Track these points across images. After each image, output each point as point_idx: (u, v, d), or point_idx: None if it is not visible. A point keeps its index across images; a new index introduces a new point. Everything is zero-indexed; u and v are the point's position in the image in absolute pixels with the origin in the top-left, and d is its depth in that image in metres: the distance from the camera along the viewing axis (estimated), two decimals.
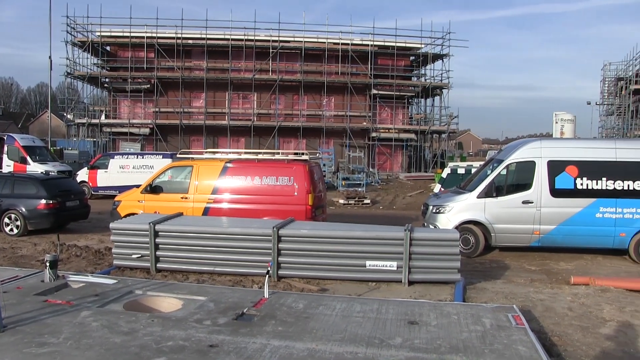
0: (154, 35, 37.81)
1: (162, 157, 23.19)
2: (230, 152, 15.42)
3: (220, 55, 39.12)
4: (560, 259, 13.33)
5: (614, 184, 13.02)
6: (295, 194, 12.37)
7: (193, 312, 6.62)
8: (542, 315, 7.79)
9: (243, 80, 39.07)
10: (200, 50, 39.01)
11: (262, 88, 39.45)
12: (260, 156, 13.65)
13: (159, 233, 9.45)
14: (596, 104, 48.94)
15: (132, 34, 38.04)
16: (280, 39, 38.59)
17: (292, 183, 12.43)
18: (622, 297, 8.98)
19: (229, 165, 12.82)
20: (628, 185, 13.01)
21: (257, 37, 38.51)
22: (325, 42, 39.05)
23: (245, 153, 14.21)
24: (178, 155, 14.59)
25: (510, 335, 6.04)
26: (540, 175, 13.12)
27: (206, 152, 14.36)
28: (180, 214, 10.69)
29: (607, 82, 47.30)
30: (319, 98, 40.30)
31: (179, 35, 37.89)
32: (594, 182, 13.04)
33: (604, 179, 13.03)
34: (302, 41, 38.85)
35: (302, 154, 13.78)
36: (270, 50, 38.39)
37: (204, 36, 38.13)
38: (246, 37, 38.23)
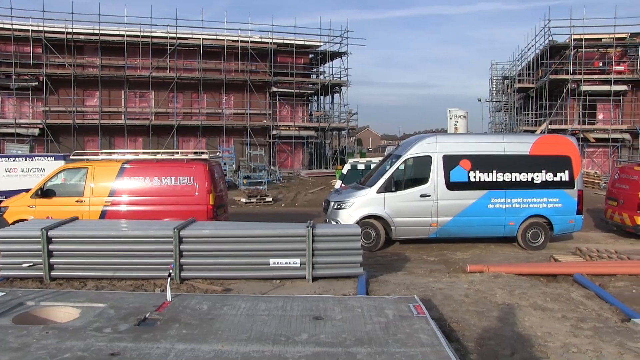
0: (41, 28, 35.63)
1: (54, 159, 21.98)
2: (127, 153, 14.92)
3: (114, 52, 37.58)
4: (457, 249, 13.97)
5: (503, 176, 13.81)
6: (196, 193, 12.21)
7: (92, 320, 6.35)
8: (442, 303, 8.14)
9: (140, 78, 37.80)
10: (93, 47, 37.26)
11: (160, 86, 38.35)
12: (159, 156, 13.32)
13: (53, 239, 8.97)
14: (486, 101, 51.77)
15: (15, 27, 35.47)
16: (178, 35, 37.65)
17: (193, 183, 12.26)
18: (512, 282, 9.59)
19: (126, 166, 12.43)
20: (515, 177, 13.85)
21: (153, 34, 37.35)
22: (224, 40, 38.53)
23: (144, 153, 13.84)
24: (72, 157, 13.94)
25: (412, 324, 6.26)
26: (437, 169, 13.68)
27: (102, 153, 13.81)
28: (75, 218, 10.21)
29: (494, 81, 50.07)
30: (219, 96, 39.76)
31: (69, 30, 35.94)
32: (486, 174, 13.77)
33: (494, 171, 13.79)
34: (200, 38, 38.13)
35: (202, 153, 13.59)
36: (168, 48, 37.40)
37: (96, 31, 36.39)
38: (142, 34, 36.98)
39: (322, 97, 46.25)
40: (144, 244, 9.09)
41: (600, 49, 38.19)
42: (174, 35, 37.41)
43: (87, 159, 13.12)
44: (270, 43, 39.45)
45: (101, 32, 36.53)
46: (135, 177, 12.35)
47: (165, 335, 5.83)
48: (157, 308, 6.77)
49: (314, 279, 9.00)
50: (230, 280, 9.07)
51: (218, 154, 23.81)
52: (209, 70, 39.07)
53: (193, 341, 5.66)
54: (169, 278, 7.36)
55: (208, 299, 7.35)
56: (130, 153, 14.37)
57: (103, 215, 12.14)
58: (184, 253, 8.93)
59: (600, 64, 38.22)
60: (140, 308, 6.77)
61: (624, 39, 37.23)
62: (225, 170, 28.08)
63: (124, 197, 12.25)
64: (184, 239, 8.91)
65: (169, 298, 7.14)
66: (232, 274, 9.10)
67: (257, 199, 24.20)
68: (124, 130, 37.38)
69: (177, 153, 14.28)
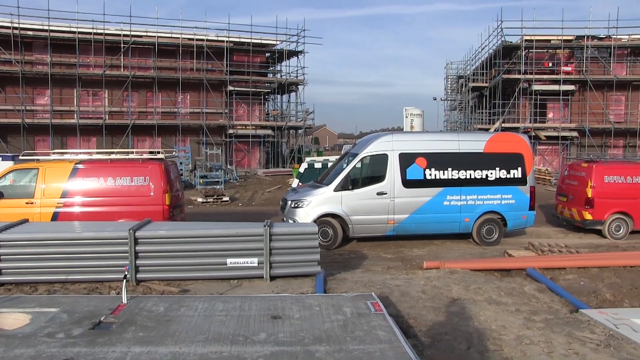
0: None
1: (2, 160, 21.37)
2: (80, 153, 14.60)
3: (66, 49, 36.56)
4: (413, 246, 14.15)
5: (458, 173, 14.05)
6: (152, 194, 12.05)
7: (43, 325, 6.17)
8: (399, 300, 8.23)
9: (92, 77, 36.91)
10: (43, 43, 36.13)
11: (114, 85, 37.55)
12: (113, 156, 13.07)
13: (1, 243, 8.70)
14: (441, 100, 52.45)
15: None
16: (132, 33, 36.90)
17: (148, 183, 12.09)
18: (468, 277, 9.77)
19: (79, 166, 12.16)
20: (470, 175, 14.11)
21: (106, 31, 36.52)
22: (179, 38, 37.99)
23: (97, 153, 13.55)
24: (21, 157, 13.54)
25: (370, 321, 6.31)
26: (393, 167, 13.82)
27: (53, 153, 13.47)
28: (25, 221, 9.92)
29: (449, 80, 50.86)
30: (174, 95, 39.19)
31: (16, 25, 34.81)
32: (441, 172, 13.98)
33: (449, 169, 14.01)
34: (155, 36, 37.48)
35: (158, 152, 13.42)
36: (122, 45, 36.63)
37: (46, 27, 35.27)
38: (94, 31, 36.11)
39: (278, 96, 46.19)
40: (99, 245, 8.91)
41: (549, 50, 39.32)
42: (127, 32, 36.68)
43: (38, 160, 12.77)
44: (227, 41, 39.13)
45: (51, 28, 35.46)
46: (89, 177, 12.10)
47: (121, 339, 5.72)
48: (113, 311, 6.64)
49: (272, 278, 8.99)
50: (187, 281, 8.98)
51: (174, 153, 23.50)
52: (164, 69, 38.49)
53: (149, 344, 5.58)
54: (125, 280, 7.22)
55: (165, 301, 7.25)
56: (84, 153, 14.08)
57: (55, 217, 11.85)
58: (139, 254, 8.80)
59: (550, 65, 39.33)
60: (94, 312, 6.63)
61: (571, 41, 38.42)
62: (181, 169, 27.73)
63: (77, 198, 11.98)
64: (139, 240, 8.78)
65: (124, 300, 7.01)
66: (189, 274, 9.02)
67: (213, 199, 23.99)
68: (76, 130, 36.48)
69: (132, 153, 14.07)
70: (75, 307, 6.86)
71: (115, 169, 12.28)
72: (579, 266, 11.13)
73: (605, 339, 6.68)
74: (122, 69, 37.32)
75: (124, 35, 36.68)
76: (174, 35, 38.24)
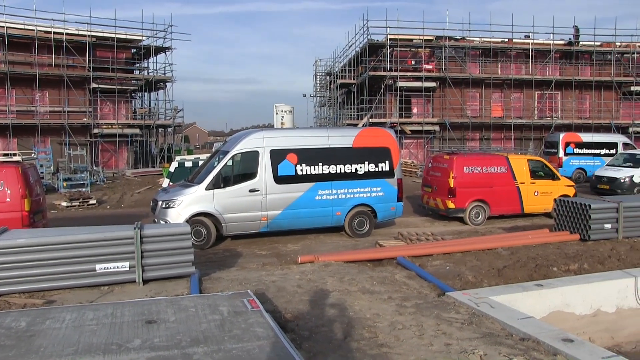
0: None
1: None
2: None
3: None
4: (288, 241, 14.31)
5: (328, 168, 14.38)
6: (8, 200, 11.24)
7: None
8: (275, 296, 8.29)
9: None
10: None
11: None
12: None
13: None
14: (311, 96, 53.36)
15: None
16: None
17: (3, 188, 11.28)
18: (342, 269, 10.04)
19: None
20: (340, 169, 14.50)
21: None
22: (34, 30, 35.36)
23: None
24: None
25: (247, 319, 6.31)
26: (264, 164, 13.88)
27: None
28: None
29: (318, 77, 51.80)
30: (31, 92, 36.50)
31: None
32: (312, 167, 14.24)
33: (320, 164, 14.31)
34: (4, 27, 34.66)
35: (14, 154, 12.52)
36: None
37: None
38: None
39: (146, 94, 44.69)
40: None
41: (412, 49, 41.40)
42: None
43: None
44: (89, 36, 37.11)
45: None
46: None
47: None
48: None
49: (145, 281, 8.71)
50: (53, 291, 8.45)
51: (33, 155, 22.04)
52: (18, 64, 35.63)
53: None
54: None
55: (27, 315, 6.77)
56: None
57: None
58: None
59: (413, 63, 41.43)
60: None
61: (431, 41, 40.70)
62: (42, 172, 26.02)
63: None
64: None
65: None
66: (55, 284, 8.48)
67: (79, 202, 22.76)
68: None
69: None
70: None
71: None
72: (444, 252, 11.81)
73: (468, 317, 7.22)
74: None
75: None
76: (27, 27, 35.48)
